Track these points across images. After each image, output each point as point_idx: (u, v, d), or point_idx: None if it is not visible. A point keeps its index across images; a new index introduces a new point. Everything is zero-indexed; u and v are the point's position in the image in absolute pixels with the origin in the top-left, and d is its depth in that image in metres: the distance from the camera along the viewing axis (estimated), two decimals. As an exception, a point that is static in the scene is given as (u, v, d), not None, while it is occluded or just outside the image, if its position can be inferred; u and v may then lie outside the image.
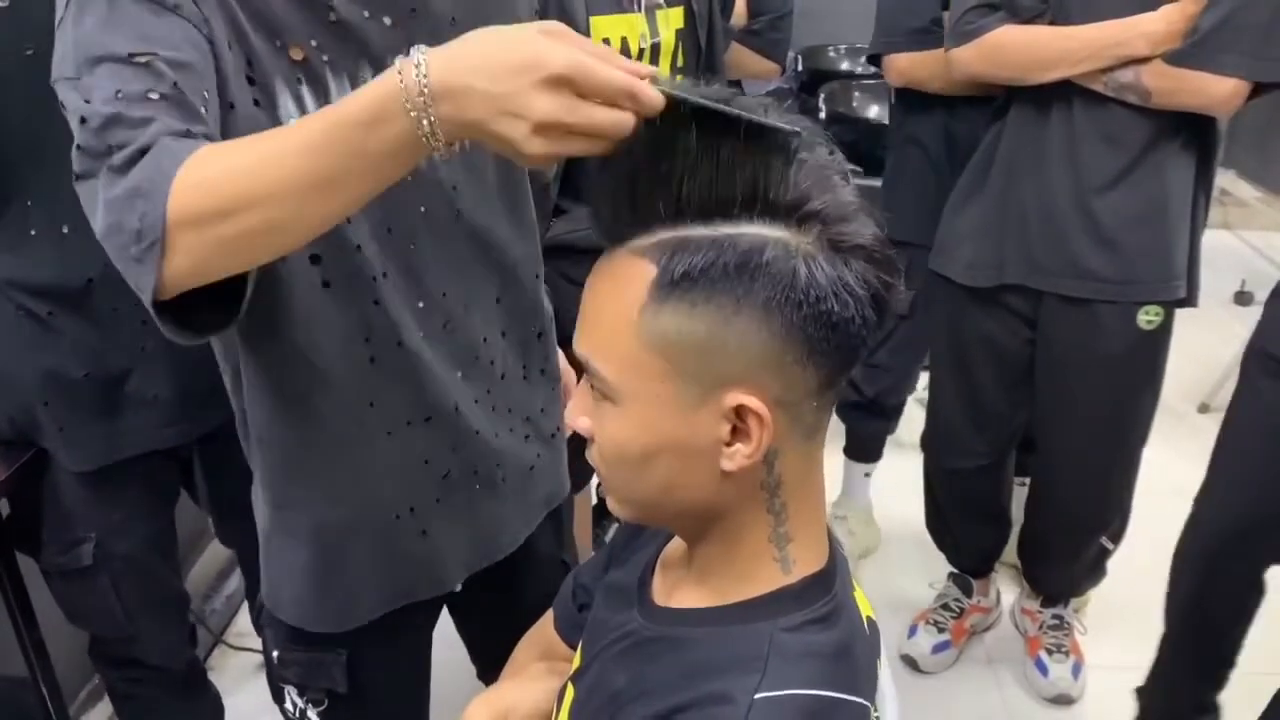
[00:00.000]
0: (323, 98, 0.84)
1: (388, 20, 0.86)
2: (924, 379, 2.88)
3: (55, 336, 1.21)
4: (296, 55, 0.82)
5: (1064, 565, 2.03)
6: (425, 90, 0.63)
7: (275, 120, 0.82)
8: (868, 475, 2.38)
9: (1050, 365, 1.78)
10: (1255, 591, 1.61)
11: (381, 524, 0.98)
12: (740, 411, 0.64)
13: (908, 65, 1.92)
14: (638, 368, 0.65)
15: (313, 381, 0.91)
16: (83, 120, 0.71)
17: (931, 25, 1.88)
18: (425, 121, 0.64)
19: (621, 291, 0.65)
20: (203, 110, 0.73)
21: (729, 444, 0.66)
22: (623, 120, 0.62)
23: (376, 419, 0.94)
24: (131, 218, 0.67)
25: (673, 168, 0.63)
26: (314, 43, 0.82)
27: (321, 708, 1.04)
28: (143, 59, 0.71)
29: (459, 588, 1.07)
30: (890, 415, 2.28)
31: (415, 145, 0.66)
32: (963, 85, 1.84)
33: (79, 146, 0.71)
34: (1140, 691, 1.79)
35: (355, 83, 0.84)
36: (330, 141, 0.66)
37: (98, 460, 1.27)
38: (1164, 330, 1.70)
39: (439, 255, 0.94)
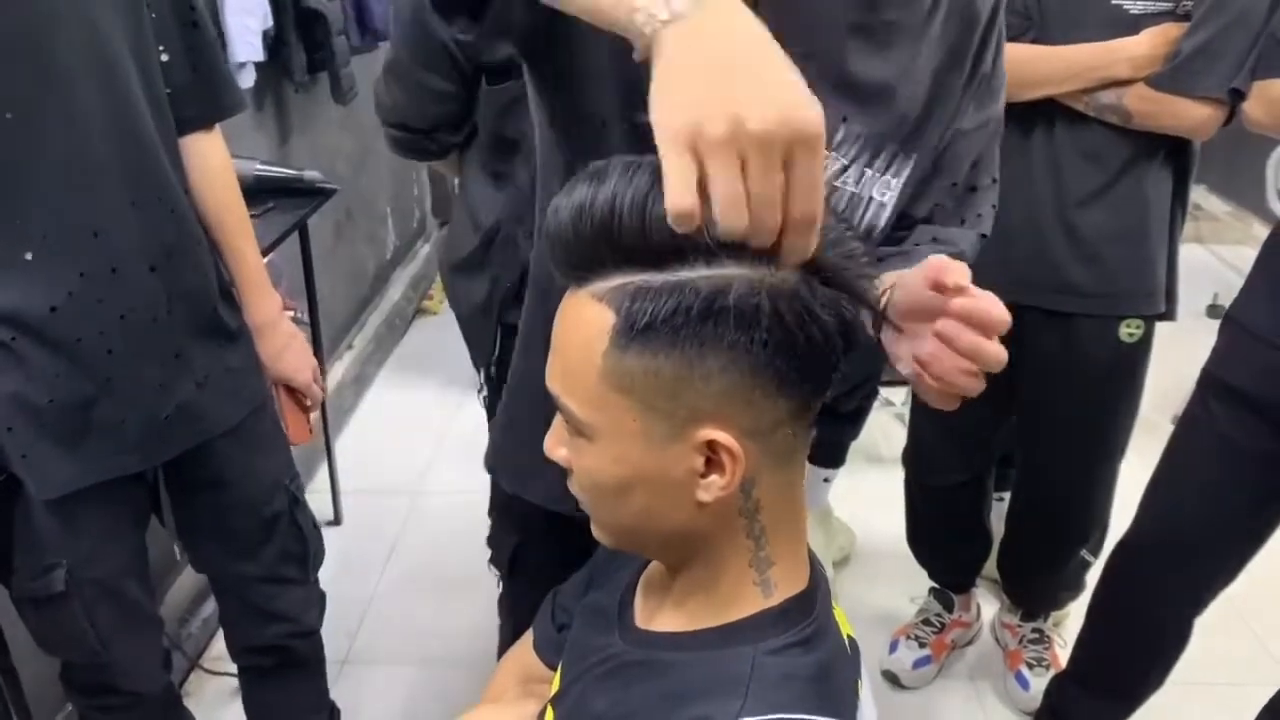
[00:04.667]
0: None
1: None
2: (902, 395, 2.89)
3: (18, 362, 1.19)
4: None
5: (1045, 578, 2.04)
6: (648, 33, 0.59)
7: None
8: (827, 480, 2.37)
9: (1032, 378, 1.79)
10: (1177, 620, 1.63)
11: None
12: (712, 445, 0.64)
13: None
14: (606, 406, 0.65)
15: None
16: None
17: None
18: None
19: (584, 335, 0.64)
20: None
21: (704, 475, 0.65)
22: (737, 220, 0.55)
23: None
24: None
25: (624, 217, 0.61)
26: None
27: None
28: None
29: None
30: (849, 420, 2.28)
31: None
32: None
33: None
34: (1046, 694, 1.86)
35: None
36: None
37: (63, 488, 1.24)
38: (1145, 343, 1.72)
39: None
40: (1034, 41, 1.60)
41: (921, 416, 2.00)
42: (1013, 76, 1.62)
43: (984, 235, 1.01)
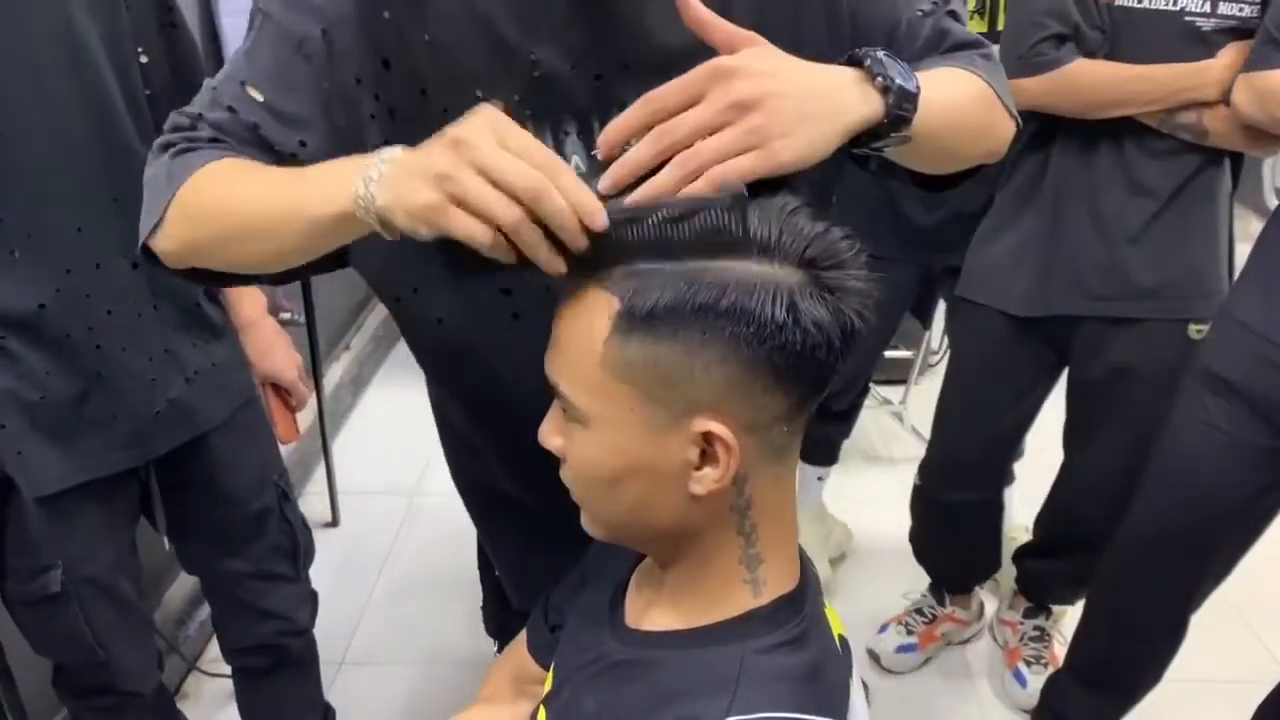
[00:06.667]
0: None
1: (595, 76, 0.81)
2: (899, 393, 2.89)
3: (9, 360, 1.20)
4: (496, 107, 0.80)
5: (1088, 557, 1.92)
6: (374, 207, 0.65)
7: None
8: (820, 479, 2.37)
9: (1095, 385, 1.78)
10: (1172, 615, 1.63)
11: None
12: (708, 437, 0.64)
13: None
14: (604, 394, 0.65)
15: (497, 412, 0.95)
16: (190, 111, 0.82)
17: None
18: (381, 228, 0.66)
19: (586, 322, 0.65)
20: (276, 148, 0.79)
21: (698, 468, 0.65)
22: (506, 210, 0.60)
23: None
24: (153, 196, 0.80)
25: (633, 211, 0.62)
26: (516, 97, 0.80)
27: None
28: (251, 90, 0.80)
29: None
30: (842, 419, 2.27)
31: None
32: None
33: (173, 126, 0.83)
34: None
35: (557, 134, 0.82)
36: (288, 219, 0.71)
37: (55, 485, 1.25)
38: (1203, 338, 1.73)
39: None
40: (1107, 57, 1.58)
41: (948, 430, 1.95)
42: (1103, 95, 1.61)
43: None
